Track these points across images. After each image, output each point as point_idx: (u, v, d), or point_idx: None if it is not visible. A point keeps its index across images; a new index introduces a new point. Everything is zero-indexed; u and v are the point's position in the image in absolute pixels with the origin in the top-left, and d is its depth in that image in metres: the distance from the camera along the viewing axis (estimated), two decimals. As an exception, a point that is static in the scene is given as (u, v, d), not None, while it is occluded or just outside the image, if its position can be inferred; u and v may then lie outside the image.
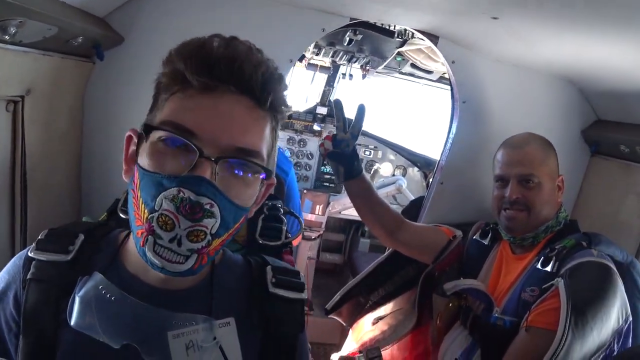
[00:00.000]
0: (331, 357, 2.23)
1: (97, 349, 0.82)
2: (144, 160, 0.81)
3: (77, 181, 1.94)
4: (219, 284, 0.96)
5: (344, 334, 3.76)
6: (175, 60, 0.81)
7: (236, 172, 0.83)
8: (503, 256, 2.01)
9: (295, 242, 1.58)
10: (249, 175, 0.85)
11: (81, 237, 0.94)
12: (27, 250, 0.93)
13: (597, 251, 1.69)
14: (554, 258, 1.71)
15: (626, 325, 1.58)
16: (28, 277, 0.89)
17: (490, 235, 2.12)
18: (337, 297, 2.41)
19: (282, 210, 1.45)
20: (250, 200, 0.88)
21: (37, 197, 1.62)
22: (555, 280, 1.62)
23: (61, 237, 0.94)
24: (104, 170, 1.93)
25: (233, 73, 0.80)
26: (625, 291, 1.60)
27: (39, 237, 0.94)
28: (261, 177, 0.88)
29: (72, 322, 0.82)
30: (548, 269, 1.70)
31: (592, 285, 1.58)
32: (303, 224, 1.58)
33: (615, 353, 1.54)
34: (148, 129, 0.82)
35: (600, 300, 1.54)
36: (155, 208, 0.77)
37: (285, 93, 0.89)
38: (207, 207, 0.77)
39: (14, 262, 0.94)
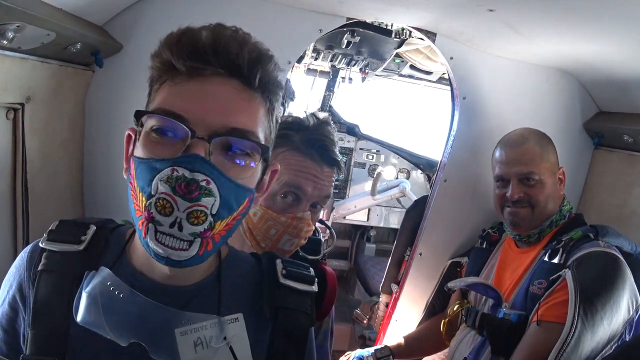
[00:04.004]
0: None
1: (106, 343, 0.81)
2: (138, 151, 0.81)
3: (79, 189, 1.94)
4: (226, 278, 0.95)
5: (352, 341, 3.76)
6: (162, 51, 0.81)
7: (230, 152, 0.82)
8: (508, 252, 2.01)
9: None
10: (245, 153, 0.83)
11: (93, 228, 0.94)
12: (34, 243, 0.93)
13: (604, 242, 1.67)
14: (560, 250, 1.70)
15: (637, 316, 1.56)
16: (39, 268, 0.88)
17: (486, 239, 2.17)
18: None
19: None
20: (251, 180, 0.86)
21: (38, 205, 1.62)
22: (563, 271, 1.61)
23: (73, 228, 0.94)
24: (106, 177, 1.94)
25: (219, 55, 0.79)
26: (635, 282, 1.59)
27: (50, 228, 0.93)
28: (257, 159, 0.85)
29: (79, 319, 0.81)
30: (555, 260, 1.69)
31: (600, 275, 1.57)
32: (335, 235, 1.60)
33: (627, 343, 1.53)
34: (139, 114, 0.81)
35: (609, 289, 1.52)
36: (152, 193, 0.76)
37: (276, 73, 0.87)
38: (204, 184, 0.75)
39: (21, 256, 0.94)
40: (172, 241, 0.76)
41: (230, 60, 0.80)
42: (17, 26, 1.18)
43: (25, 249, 0.95)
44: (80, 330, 0.82)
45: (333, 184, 1.40)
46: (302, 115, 1.47)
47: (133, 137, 0.87)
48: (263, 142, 0.85)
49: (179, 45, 0.79)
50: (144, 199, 0.77)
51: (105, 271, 0.85)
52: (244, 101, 0.83)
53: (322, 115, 1.50)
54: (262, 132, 0.86)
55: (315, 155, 1.35)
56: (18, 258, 0.94)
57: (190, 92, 0.80)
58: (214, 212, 0.78)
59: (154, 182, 0.76)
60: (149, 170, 0.77)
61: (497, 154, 1.95)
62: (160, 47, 0.81)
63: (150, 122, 0.80)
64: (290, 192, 1.32)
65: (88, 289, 0.82)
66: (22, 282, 0.90)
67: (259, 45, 0.84)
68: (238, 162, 0.82)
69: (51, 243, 0.90)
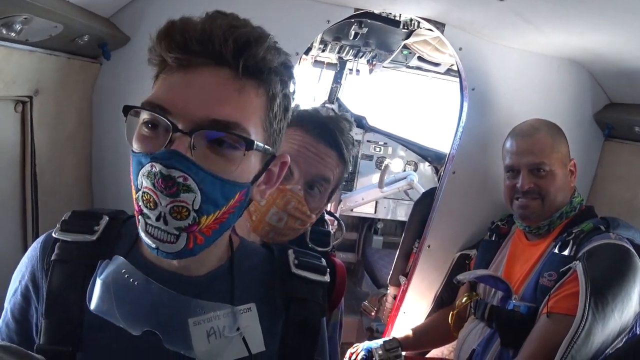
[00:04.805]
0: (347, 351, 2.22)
1: (120, 333, 0.82)
2: (134, 144, 0.81)
3: (88, 182, 1.95)
4: (239, 269, 0.95)
5: (360, 333, 3.77)
6: (154, 44, 0.80)
7: (216, 144, 0.79)
8: (517, 245, 2.00)
9: None
10: (230, 148, 0.80)
11: (105, 218, 0.95)
12: (47, 234, 0.94)
13: (615, 234, 1.66)
14: (571, 242, 1.69)
15: (648, 308, 1.55)
16: (52, 258, 0.89)
17: (495, 232, 2.16)
18: None
19: (325, 215, 1.46)
20: (242, 174, 0.83)
21: (47, 197, 1.63)
22: (573, 263, 1.60)
23: (86, 218, 0.94)
24: (114, 169, 1.94)
25: (204, 44, 0.77)
26: None
27: (63, 219, 0.94)
28: (242, 151, 0.81)
29: (92, 307, 0.81)
30: (566, 252, 1.68)
31: (611, 267, 1.56)
32: (344, 227, 1.60)
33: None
34: (125, 109, 0.80)
35: (620, 281, 1.51)
36: (139, 187, 0.77)
37: (273, 59, 0.82)
38: (180, 180, 0.74)
39: (33, 246, 0.95)
40: (160, 233, 0.77)
41: (214, 49, 0.77)
42: (25, 18, 1.18)
43: (38, 239, 0.95)
44: (93, 319, 0.83)
45: (335, 170, 1.39)
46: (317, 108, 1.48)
47: None
48: (254, 135, 0.82)
49: (167, 38, 0.78)
50: (135, 192, 0.79)
51: (119, 259, 0.85)
52: (233, 91, 0.80)
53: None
54: (256, 124, 0.83)
55: (317, 134, 1.36)
56: (30, 248, 0.95)
57: (175, 84, 0.79)
58: (196, 207, 0.77)
59: (139, 177, 0.76)
60: (136, 164, 0.78)
61: (508, 144, 1.93)
62: (152, 40, 0.80)
63: (142, 115, 0.80)
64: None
65: (102, 276, 0.83)
66: (35, 272, 0.91)
67: (253, 30, 0.80)
68: (222, 154, 0.80)
69: (64, 233, 0.91)
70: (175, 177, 0.74)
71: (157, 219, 0.76)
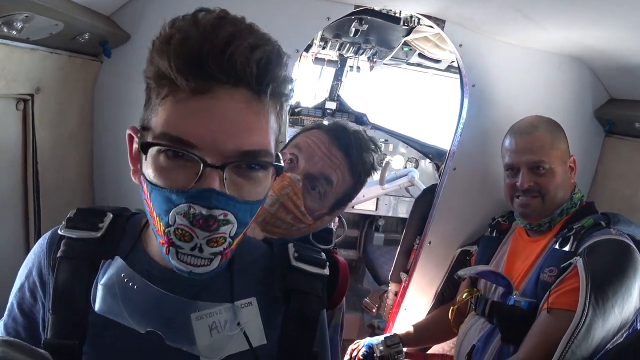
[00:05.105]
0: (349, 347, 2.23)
1: (124, 330, 0.84)
2: (149, 172, 0.78)
3: (90, 180, 1.96)
4: (239, 264, 0.96)
5: (361, 330, 3.77)
6: (157, 61, 0.75)
7: (244, 175, 0.80)
8: (518, 241, 2.00)
9: None
10: (259, 174, 0.81)
11: (110, 215, 0.96)
12: (53, 230, 0.95)
13: (615, 230, 1.66)
14: (572, 237, 1.69)
15: (648, 303, 1.55)
16: (58, 255, 0.90)
17: (496, 228, 2.16)
18: None
19: None
20: (264, 193, 0.85)
21: (49, 195, 1.64)
22: (574, 259, 1.60)
23: (90, 215, 0.95)
24: (115, 167, 1.95)
25: (224, 66, 0.73)
26: None
27: (68, 216, 0.95)
28: (267, 171, 0.84)
29: (96, 308, 0.84)
30: (566, 248, 1.68)
31: (611, 262, 1.56)
32: (346, 224, 1.61)
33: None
34: (145, 146, 0.77)
35: (621, 277, 1.52)
36: (170, 223, 0.76)
37: (287, 72, 0.81)
38: (221, 217, 0.76)
39: (39, 243, 0.96)
40: (193, 260, 0.78)
41: (237, 72, 0.74)
42: (26, 16, 1.18)
43: (44, 235, 0.96)
44: (98, 317, 0.85)
45: (341, 177, 1.39)
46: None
47: (135, 137, 0.85)
48: (272, 152, 0.82)
49: (178, 59, 0.72)
50: (162, 225, 0.78)
51: (118, 261, 0.87)
52: (254, 115, 0.78)
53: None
54: (273, 141, 0.83)
55: (334, 136, 1.39)
56: (37, 245, 0.96)
57: (196, 114, 0.74)
58: (232, 234, 0.79)
59: (171, 214, 0.75)
60: (164, 201, 0.76)
61: (507, 142, 1.93)
62: (154, 54, 0.75)
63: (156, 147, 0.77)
64: (293, 154, 1.38)
65: (103, 280, 0.85)
66: (42, 269, 0.92)
67: (267, 45, 0.76)
68: (252, 180, 0.81)
69: (70, 230, 0.92)
70: (217, 216, 0.75)
71: (192, 249, 0.77)
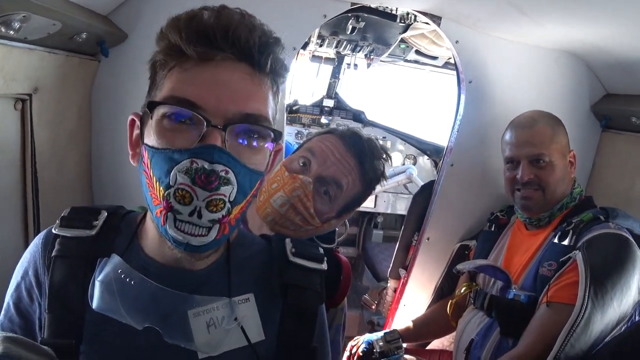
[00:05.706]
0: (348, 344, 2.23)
1: (121, 328, 0.84)
2: (151, 139, 0.81)
3: (88, 178, 1.96)
4: (236, 260, 0.96)
5: (361, 327, 3.78)
6: (168, 35, 0.79)
7: (243, 140, 0.82)
8: (517, 235, 2.01)
9: None
10: (258, 140, 0.84)
11: (104, 213, 0.96)
12: (47, 230, 0.95)
13: (614, 224, 1.67)
14: (571, 232, 1.70)
15: (647, 297, 1.56)
16: (53, 254, 0.90)
17: (495, 223, 2.17)
18: None
19: None
20: (262, 165, 0.87)
21: (48, 194, 1.64)
22: (573, 252, 1.61)
23: (85, 214, 0.95)
24: (114, 166, 1.95)
25: (229, 40, 0.79)
26: None
27: (62, 215, 0.95)
28: (269, 143, 0.87)
29: (94, 305, 0.83)
30: (565, 242, 1.69)
31: (610, 256, 1.57)
32: (348, 223, 1.62)
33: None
34: (152, 105, 0.81)
35: (619, 270, 1.53)
36: (171, 184, 0.76)
37: (283, 56, 0.88)
38: (223, 174, 0.77)
39: (34, 242, 0.96)
40: (191, 228, 0.78)
41: (240, 45, 0.79)
42: (23, 16, 1.18)
43: (39, 235, 0.96)
44: (95, 315, 0.84)
45: (351, 183, 1.41)
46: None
47: (137, 122, 0.88)
48: (272, 122, 0.86)
49: (188, 30, 0.78)
50: (161, 188, 0.78)
51: (115, 259, 0.86)
52: (255, 86, 0.83)
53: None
54: (271, 115, 0.87)
55: (348, 143, 1.40)
56: (32, 245, 0.96)
57: (202, 79, 0.79)
58: (231, 199, 0.80)
59: (172, 173, 0.76)
60: (166, 161, 0.78)
61: (507, 135, 1.94)
62: (166, 30, 0.80)
63: (162, 110, 0.80)
64: (306, 157, 1.38)
65: (100, 277, 0.84)
66: (37, 268, 0.92)
67: (266, 28, 0.83)
68: (252, 146, 0.83)
69: (64, 229, 0.92)
70: (219, 171, 0.77)
71: (191, 214, 0.77)
